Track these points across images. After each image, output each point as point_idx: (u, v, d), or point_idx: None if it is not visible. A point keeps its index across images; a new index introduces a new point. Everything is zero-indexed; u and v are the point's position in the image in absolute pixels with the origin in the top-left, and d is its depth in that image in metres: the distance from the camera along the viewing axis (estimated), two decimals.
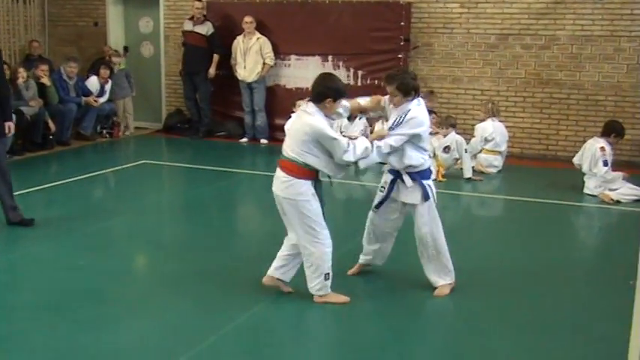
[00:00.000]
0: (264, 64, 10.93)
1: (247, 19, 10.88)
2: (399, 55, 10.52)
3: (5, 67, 6.51)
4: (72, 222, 6.74)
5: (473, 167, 8.92)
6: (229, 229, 7.09)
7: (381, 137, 4.76)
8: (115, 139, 11.33)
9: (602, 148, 7.98)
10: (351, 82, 10.81)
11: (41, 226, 6.49)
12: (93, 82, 11.08)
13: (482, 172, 9.09)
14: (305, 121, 4.58)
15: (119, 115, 11.53)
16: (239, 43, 10.99)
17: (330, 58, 10.95)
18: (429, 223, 4.92)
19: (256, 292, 4.88)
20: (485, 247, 6.45)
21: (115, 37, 12.50)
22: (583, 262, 6.09)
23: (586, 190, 8.09)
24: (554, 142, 10.23)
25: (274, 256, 4.87)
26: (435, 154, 8.79)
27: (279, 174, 4.62)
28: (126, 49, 12.12)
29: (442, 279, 5.04)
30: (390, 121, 4.80)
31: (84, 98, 10.75)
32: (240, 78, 11.04)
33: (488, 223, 7.59)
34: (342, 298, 4.79)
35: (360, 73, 10.80)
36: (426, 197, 4.87)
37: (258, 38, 10.90)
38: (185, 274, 5.35)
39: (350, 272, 5.35)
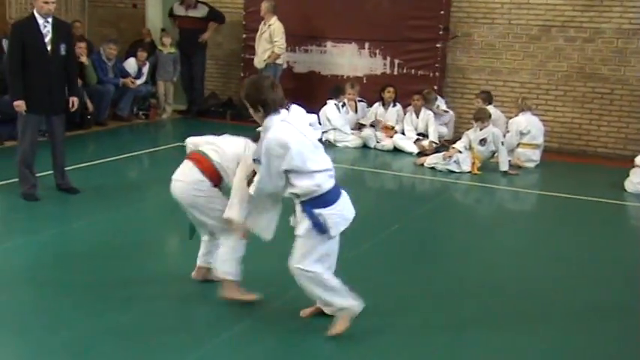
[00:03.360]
0: (272, 51, 10.54)
1: (263, 4, 10.58)
2: (437, 45, 10.40)
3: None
4: (108, 201, 6.79)
5: (510, 162, 8.78)
6: None
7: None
8: (150, 121, 11.37)
9: None
10: (387, 71, 10.72)
11: (78, 205, 6.57)
12: (131, 64, 11.13)
13: (519, 167, 8.95)
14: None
15: (159, 96, 11.56)
16: (260, 28, 10.75)
17: (366, 45, 10.85)
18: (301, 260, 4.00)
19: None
20: (518, 243, 6.35)
21: (153, 19, 12.52)
22: (623, 262, 5.93)
23: (627, 188, 7.92)
24: (594, 138, 10.03)
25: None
26: (471, 146, 8.68)
27: None
28: (164, 31, 12.12)
29: None
30: (256, 149, 3.98)
31: (121, 79, 10.80)
32: (254, 64, 10.85)
33: (522, 218, 7.45)
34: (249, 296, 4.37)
35: (396, 61, 10.69)
36: (319, 229, 3.91)
37: (270, 25, 10.52)
38: None
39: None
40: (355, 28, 10.78)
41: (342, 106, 10.09)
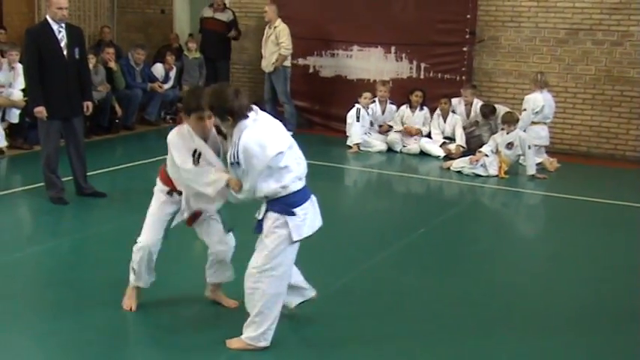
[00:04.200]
0: (280, 54, 10.48)
1: (267, 8, 10.57)
2: (464, 49, 10.36)
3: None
4: (134, 204, 6.85)
5: (541, 163, 8.75)
6: None
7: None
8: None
9: None
10: (414, 75, 10.71)
11: (105, 208, 6.65)
12: (158, 69, 11.24)
13: (546, 169, 8.89)
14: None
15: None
16: (265, 33, 10.69)
17: (392, 49, 10.84)
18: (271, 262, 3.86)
19: None
20: (545, 247, 6.30)
21: (181, 24, 12.65)
22: None
23: None
24: (623, 142, 9.91)
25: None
26: (497, 150, 8.64)
27: None
28: (191, 36, 12.24)
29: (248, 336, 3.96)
30: (229, 152, 3.83)
31: (149, 84, 10.91)
32: (262, 67, 10.81)
33: (549, 222, 7.40)
34: (130, 303, 4.39)
35: (422, 65, 10.67)
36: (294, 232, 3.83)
37: (276, 27, 10.43)
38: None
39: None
40: (381, 32, 10.77)
41: (367, 107, 10.01)
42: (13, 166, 8.39)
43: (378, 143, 9.88)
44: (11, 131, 9.02)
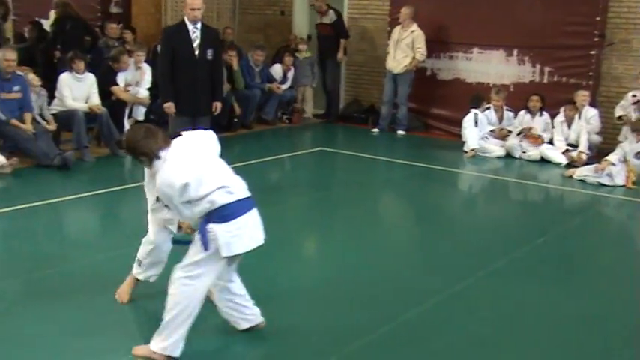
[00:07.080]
0: (413, 57, 10.62)
1: (403, 10, 10.63)
2: (592, 52, 9.89)
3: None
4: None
5: None
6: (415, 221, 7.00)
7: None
8: (293, 125, 11.59)
9: None
10: (536, 79, 10.34)
11: None
12: (276, 70, 11.40)
13: None
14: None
15: (298, 102, 11.80)
16: (395, 33, 10.78)
17: (514, 52, 10.50)
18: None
19: None
20: None
21: (300, 26, 12.77)
22: None
23: None
24: None
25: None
26: (625, 159, 8.19)
27: None
28: (309, 38, 12.34)
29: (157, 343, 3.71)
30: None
31: (267, 84, 11.09)
32: (387, 67, 10.84)
33: None
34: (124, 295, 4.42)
35: (546, 69, 10.28)
36: (203, 245, 3.62)
37: (413, 31, 10.55)
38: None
39: None
40: (503, 34, 10.46)
41: (483, 111, 9.78)
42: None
43: (496, 149, 9.60)
44: None
